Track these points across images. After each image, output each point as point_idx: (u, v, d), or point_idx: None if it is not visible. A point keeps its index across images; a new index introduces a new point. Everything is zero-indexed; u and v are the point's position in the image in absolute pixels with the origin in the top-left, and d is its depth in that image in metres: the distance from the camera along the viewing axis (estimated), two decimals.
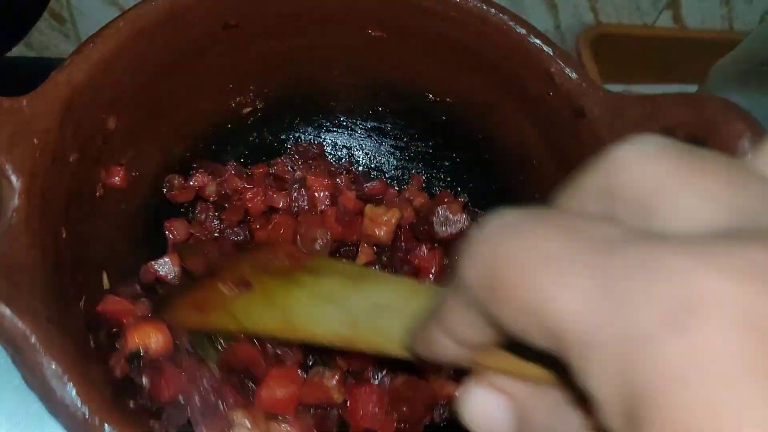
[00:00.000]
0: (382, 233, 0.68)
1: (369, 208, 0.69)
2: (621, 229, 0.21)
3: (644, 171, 0.23)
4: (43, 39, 0.94)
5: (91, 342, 0.52)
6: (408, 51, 0.68)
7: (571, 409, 0.25)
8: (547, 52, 0.58)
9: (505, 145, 0.69)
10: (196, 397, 0.55)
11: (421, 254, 0.68)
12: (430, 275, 0.68)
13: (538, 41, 0.59)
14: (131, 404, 0.51)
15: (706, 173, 0.22)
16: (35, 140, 0.50)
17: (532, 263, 0.21)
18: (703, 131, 0.47)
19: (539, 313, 0.21)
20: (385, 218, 0.67)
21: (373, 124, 0.77)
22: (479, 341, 0.26)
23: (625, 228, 0.21)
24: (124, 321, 0.57)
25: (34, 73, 0.53)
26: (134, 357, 0.55)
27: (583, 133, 0.56)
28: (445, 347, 0.27)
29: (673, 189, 0.22)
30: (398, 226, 0.70)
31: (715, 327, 0.17)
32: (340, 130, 0.77)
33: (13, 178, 0.48)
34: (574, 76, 0.57)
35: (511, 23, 0.59)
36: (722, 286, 0.18)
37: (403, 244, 0.70)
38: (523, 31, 0.59)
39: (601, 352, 0.19)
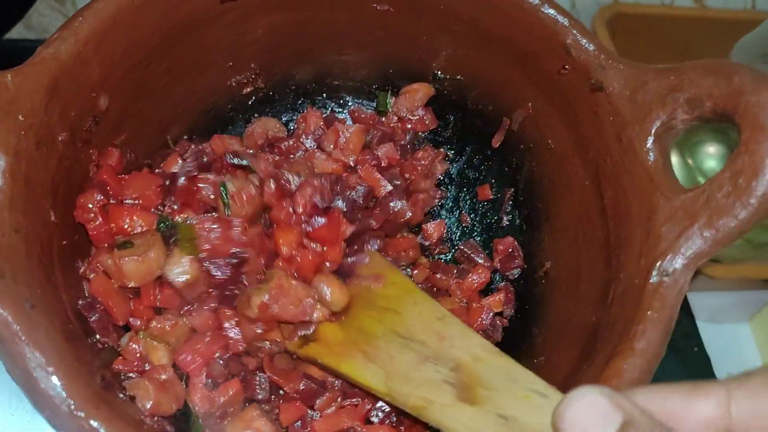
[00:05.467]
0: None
1: None
2: None
3: None
4: (43, 20, 0.93)
5: (81, 329, 0.49)
6: (416, 25, 0.64)
7: None
8: (563, 24, 0.55)
9: (518, 126, 0.65)
10: None
11: None
12: None
13: (552, 11, 0.55)
14: (121, 396, 0.48)
15: None
16: (20, 117, 0.47)
17: None
18: (732, 102, 0.44)
19: None
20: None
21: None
22: None
23: None
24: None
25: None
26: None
27: (602, 109, 0.53)
28: None
29: None
30: None
31: None
32: (345, 111, 0.73)
33: None
34: (591, 47, 0.53)
35: None
36: None
37: None
38: (537, 1, 0.56)
39: None
